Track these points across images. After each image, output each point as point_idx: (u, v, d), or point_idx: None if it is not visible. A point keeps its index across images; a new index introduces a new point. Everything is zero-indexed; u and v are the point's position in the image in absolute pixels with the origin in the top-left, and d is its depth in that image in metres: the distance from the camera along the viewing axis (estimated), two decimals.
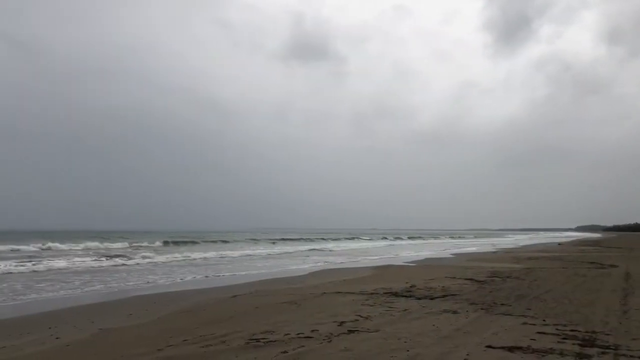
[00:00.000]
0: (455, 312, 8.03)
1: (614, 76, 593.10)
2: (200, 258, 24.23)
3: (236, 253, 28.85)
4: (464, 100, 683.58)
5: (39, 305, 9.79)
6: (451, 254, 29.99)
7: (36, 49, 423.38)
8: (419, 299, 9.69)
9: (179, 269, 18.34)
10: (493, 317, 7.55)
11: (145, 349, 5.74)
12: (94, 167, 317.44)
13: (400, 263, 22.10)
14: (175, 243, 42.47)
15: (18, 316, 8.61)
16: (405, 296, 10.10)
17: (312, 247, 39.74)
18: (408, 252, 33.68)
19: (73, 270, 17.32)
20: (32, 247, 29.45)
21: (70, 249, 30.85)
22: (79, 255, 24.13)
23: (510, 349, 5.48)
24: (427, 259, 25.25)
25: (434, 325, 6.95)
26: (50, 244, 31.72)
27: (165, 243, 41.50)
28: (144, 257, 23.71)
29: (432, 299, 9.69)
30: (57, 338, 6.64)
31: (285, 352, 5.44)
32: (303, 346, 5.69)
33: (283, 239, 55.32)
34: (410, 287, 11.71)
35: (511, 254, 28.66)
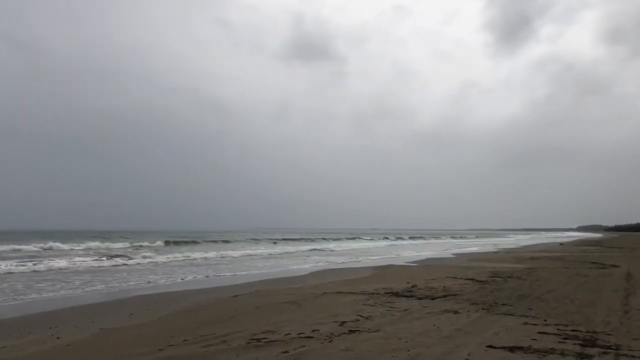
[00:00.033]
0: (456, 312, 8.02)
1: (614, 76, 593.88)
2: (201, 258, 24.24)
3: (237, 253, 28.86)
4: (465, 100, 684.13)
5: (40, 305, 9.80)
6: (452, 254, 29.96)
7: (36, 49, 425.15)
8: (420, 299, 9.68)
9: (180, 269, 18.35)
10: (494, 317, 7.54)
11: (146, 349, 5.74)
12: (94, 167, 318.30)
13: (402, 263, 22.09)
14: (176, 243, 42.51)
15: (19, 316, 8.62)
16: (406, 296, 10.09)
17: (313, 247, 39.75)
18: (409, 252, 33.66)
19: (74, 270, 17.35)
20: (33, 247, 29.49)
21: (72, 249, 30.88)
22: (79, 255, 24.16)
23: (512, 349, 5.47)
24: (428, 259, 25.23)
25: (435, 325, 6.94)
26: (51, 244, 31.75)
27: (167, 243, 41.54)
28: (144, 257, 23.75)
29: (433, 299, 9.68)
30: (58, 338, 6.64)
31: (286, 352, 5.43)
32: (304, 346, 5.69)
33: (284, 239, 55.35)
34: (412, 287, 11.70)
35: (512, 254, 28.63)
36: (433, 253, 31.60)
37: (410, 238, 71.32)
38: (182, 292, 11.71)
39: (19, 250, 28.29)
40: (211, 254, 26.56)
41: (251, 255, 28.18)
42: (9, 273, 15.98)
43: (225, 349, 5.64)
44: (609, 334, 6.26)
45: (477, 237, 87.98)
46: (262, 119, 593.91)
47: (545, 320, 7.27)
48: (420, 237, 76.18)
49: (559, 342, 5.82)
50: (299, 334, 6.37)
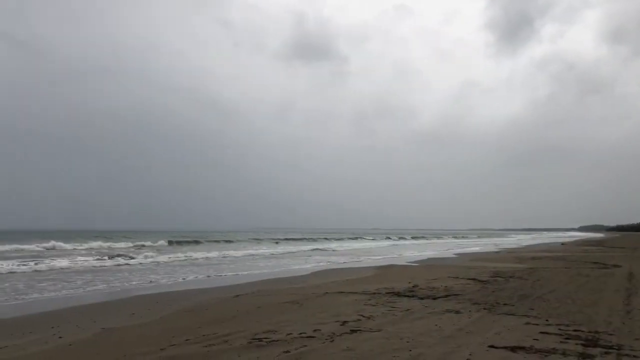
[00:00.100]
0: (457, 312, 8.01)
1: (616, 76, 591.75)
2: (203, 258, 24.27)
3: (239, 253, 28.89)
4: (466, 100, 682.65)
5: (42, 305, 9.82)
6: (454, 254, 29.94)
7: (36, 49, 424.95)
8: (422, 298, 9.67)
9: (181, 269, 18.37)
10: (496, 317, 7.53)
11: (148, 349, 5.75)
12: (94, 167, 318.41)
13: (403, 263, 22.08)
14: (179, 243, 42.56)
15: (21, 315, 8.64)
16: (408, 296, 10.08)
17: (315, 247, 39.77)
18: (411, 252, 33.64)
19: (75, 270, 17.39)
20: (36, 247, 29.58)
21: (75, 249, 30.94)
22: (82, 255, 24.22)
23: (513, 349, 5.46)
24: (429, 259, 25.21)
25: (436, 325, 6.94)
26: (54, 243, 31.81)
27: (169, 243, 41.59)
28: (146, 257, 23.77)
29: (434, 298, 9.67)
30: (59, 337, 6.66)
31: (287, 351, 5.44)
32: (305, 346, 5.69)
33: (286, 239, 55.36)
34: (413, 287, 11.70)
35: (514, 254, 28.59)
36: (435, 253, 31.57)
37: (413, 238, 71.29)
38: (183, 292, 11.72)
39: (22, 250, 28.35)
40: (213, 254, 26.59)
41: (253, 255, 28.20)
42: (11, 273, 16.02)
43: (227, 349, 5.65)
44: (610, 334, 6.25)
45: (479, 237, 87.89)
46: (262, 119, 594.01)
47: (547, 320, 7.26)
48: (423, 237, 76.11)
49: (561, 342, 5.81)
50: (301, 333, 6.37)
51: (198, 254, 26.35)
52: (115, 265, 19.80)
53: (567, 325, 6.80)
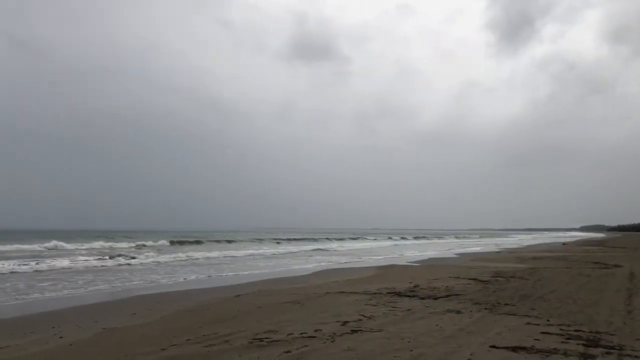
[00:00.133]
0: (458, 312, 8.01)
1: (617, 75, 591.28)
2: (204, 258, 24.27)
3: (240, 253, 28.91)
4: (467, 100, 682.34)
5: (43, 305, 9.83)
6: (455, 254, 29.92)
7: (36, 49, 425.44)
8: (423, 298, 9.67)
9: (182, 269, 18.38)
10: (497, 317, 7.53)
11: (149, 349, 5.76)
12: (94, 167, 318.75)
13: (404, 263, 22.07)
14: (180, 243, 42.55)
15: (21, 315, 8.64)
16: (409, 296, 10.08)
17: (316, 247, 39.78)
18: (412, 252, 33.63)
19: (76, 270, 17.39)
20: (37, 247, 29.60)
21: (76, 249, 30.95)
22: (83, 255, 24.24)
23: (514, 349, 5.46)
24: (430, 259, 25.20)
25: (437, 325, 6.93)
26: (55, 243, 31.83)
27: (171, 243, 41.61)
28: (147, 257, 23.79)
29: (435, 298, 9.67)
30: (60, 337, 6.66)
31: (288, 351, 5.43)
32: (306, 346, 5.69)
33: (288, 239, 55.35)
34: (414, 287, 11.69)
35: (515, 254, 28.57)
36: (436, 253, 31.56)
37: (415, 238, 71.26)
38: (184, 292, 11.73)
39: (24, 249, 28.38)
40: (215, 254, 26.61)
41: (254, 255, 28.21)
42: (12, 272, 16.03)
43: (227, 349, 5.65)
44: (612, 334, 6.24)
45: (480, 237, 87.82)
46: (263, 119, 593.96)
47: (548, 320, 7.25)
48: (424, 237, 76.08)
49: (562, 342, 5.80)
50: (302, 333, 6.37)
51: (200, 254, 26.33)
52: (116, 265, 19.81)
53: (569, 326, 6.80)
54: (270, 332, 6.51)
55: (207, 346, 5.80)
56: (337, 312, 8.12)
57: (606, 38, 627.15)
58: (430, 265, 20.79)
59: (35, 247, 29.61)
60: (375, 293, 10.53)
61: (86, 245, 33.53)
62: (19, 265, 17.92)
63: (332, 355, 5.28)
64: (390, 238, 68.52)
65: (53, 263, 18.92)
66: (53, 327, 7.38)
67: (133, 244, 36.76)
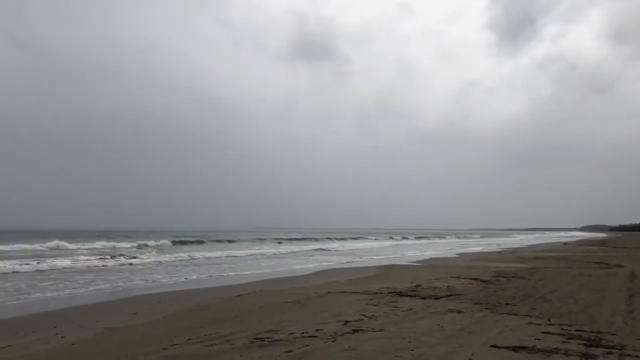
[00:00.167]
0: (460, 312, 8.01)
1: (618, 75, 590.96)
2: (206, 257, 24.28)
3: (242, 252, 28.92)
4: (467, 100, 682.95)
5: (44, 304, 9.85)
6: (456, 254, 29.90)
7: (36, 49, 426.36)
8: (424, 298, 9.67)
9: (184, 269, 18.40)
10: (498, 317, 7.52)
11: (150, 348, 5.77)
12: (94, 167, 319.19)
13: (405, 263, 22.07)
14: (182, 242, 42.57)
15: (23, 315, 8.66)
16: (410, 296, 10.08)
17: (317, 246, 39.77)
18: (413, 251, 33.62)
19: (77, 270, 17.42)
20: (39, 247, 29.62)
21: (78, 248, 30.99)
22: (84, 255, 24.26)
23: (515, 349, 5.46)
24: (431, 259, 25.19)
25: (438, 324, 6.93)
26: (57, 243, 31.85)
27: (173, 242, 41.63)
28: (148, 256, 23.81)
29: (436, 298, 9.67)
30: (62, 337, 6.68)
31: (289, 351, 5.44)
32: (307, 345, 5.69)
33: (289, 239, 55.36)
34: (415, 286, 11.69)
35: (516, 254, 28.55)
36: (437, 253, 31.54)
37: (416, 238, 71.22)
38: (185, 292, 11.74)
39: (25, 249, 28.40)
40: (216, 254, 26.62)
41: (255, 254, 28.23)
42: (14, 272, 16.06)
43: (228, 349, 5.66)
44: (613, 334, 6.24)
45: (481, 236, 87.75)
46: (264, 119, 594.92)
47: (549, 320, 7.25)
48: (425, 237, 76.06)
49: (563, 342, 5.80)
50: (303, 333, 6.38)
51: (201, 253, 26.32)
52: (117, 264, 19.83)
53: (570, 325, 6.79)
54: (272, 331, 6.52)
55: (208, 346, 5.81)
56: (338, 311, 8.12)
57: (607, 38, 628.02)
58: (431, 265, 20.78)
59: (37, 246, 29.64)
60: (376, 293, 10.53)
61: (88, 245, 33.54)
62: (20, 264, 17.93)
63: (333, 355, 5.29)
64: (391, 238, 68.48)
65: (54, 263, 18.93)
66: (55, 327, 7.40)
67: (134, 244, 36.76)
